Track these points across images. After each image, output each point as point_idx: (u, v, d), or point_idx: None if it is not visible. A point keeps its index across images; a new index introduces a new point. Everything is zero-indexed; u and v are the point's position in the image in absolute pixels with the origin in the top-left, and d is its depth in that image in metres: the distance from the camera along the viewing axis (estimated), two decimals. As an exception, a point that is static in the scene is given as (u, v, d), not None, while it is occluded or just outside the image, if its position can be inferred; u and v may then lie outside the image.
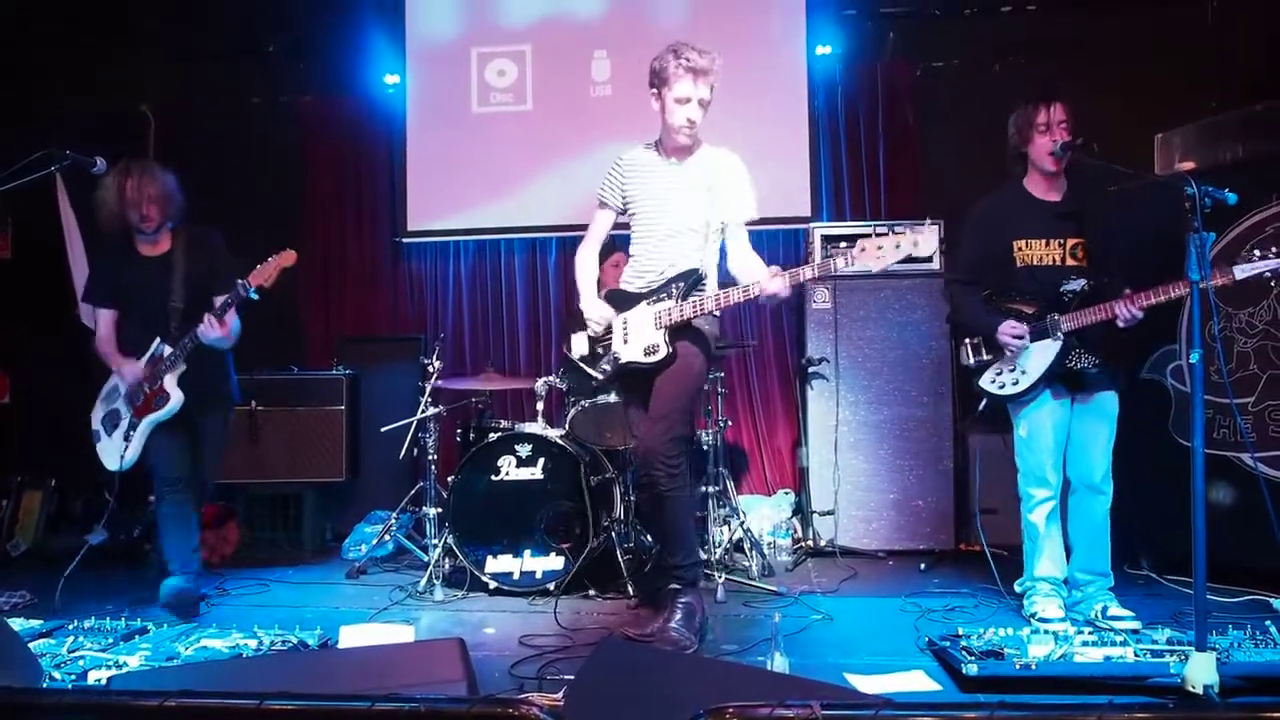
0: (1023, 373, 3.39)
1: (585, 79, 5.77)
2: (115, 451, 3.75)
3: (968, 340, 3.54)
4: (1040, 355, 3.36)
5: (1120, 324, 3.20)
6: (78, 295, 5.66)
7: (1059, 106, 3.34)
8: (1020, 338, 3.35)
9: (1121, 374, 3.43)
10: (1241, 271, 3.04)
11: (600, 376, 3.42)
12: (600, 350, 3.42)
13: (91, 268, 3.94)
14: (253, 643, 3.04)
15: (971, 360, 3.52)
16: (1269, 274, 3.04)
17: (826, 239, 4.99)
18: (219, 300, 3.66)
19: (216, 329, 3.62)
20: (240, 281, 3.62)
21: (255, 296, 3.63)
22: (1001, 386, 3.44)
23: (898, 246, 2.97)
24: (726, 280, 3.38)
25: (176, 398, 3.71)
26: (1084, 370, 3.36)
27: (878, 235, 3.02)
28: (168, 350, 3.71)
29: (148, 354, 3.74)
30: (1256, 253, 3.05)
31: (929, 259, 4.71)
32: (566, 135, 5.72)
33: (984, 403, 3.52)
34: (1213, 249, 2.87)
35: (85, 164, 3.11)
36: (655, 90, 3.31)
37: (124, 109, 6.02)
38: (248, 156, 5.96)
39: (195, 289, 3.76)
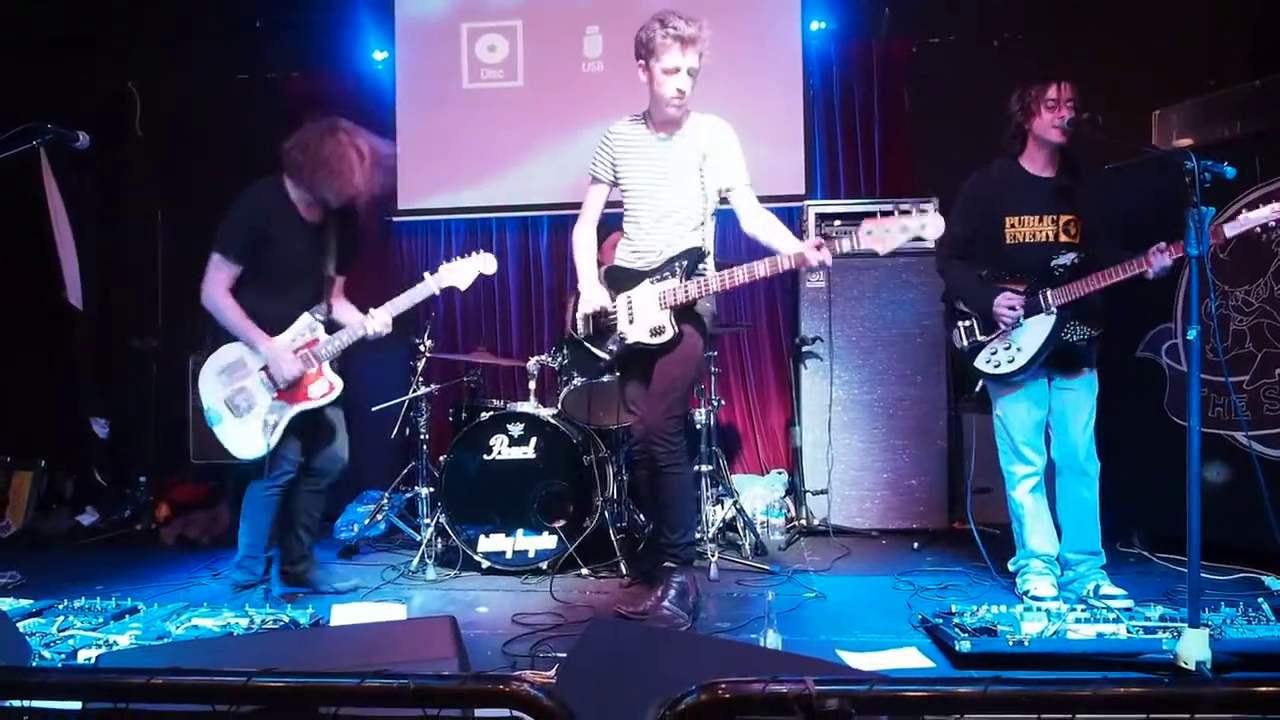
0: (1018, 350, 3.38)
1: (577, 55, 5.72)
2: (253, 437, 3.33)
3: (960, 322, 3.53)
4: (1035, 331, 3.35)
5: (1151, 275, 3.11)
6: (66, 278, 5.62)
7: (1068, 85, 3.32)
8: (1014, 309, 3.34)
9: (1098, 350, 3.41)
10: (1231, 229, 3.01)
11: (607, 357, 3.37)
12: (605, 329, 3.37)
13: (238, 211, 3.41)
14: (244, 621, 3.03)
15: (965, 342, 3.51)
16: (1259, 229, 3.01)
17: (821, 217, 4.97)
18: (405, 295, 3.43)
19: (389, 328, 3.43)
20: (428, 276, 3.44)
21: (436, 293, 3.46)
22: (997, 365, 3.43)
23: (904, 229, 2.93)
24: (736, 249, 3.32)
25: (339, 387, 3.44)
26: (1077, 343, 3.35)
27: (883, 216, 2.98)
28: (323, 334, 3.42)
29: (298, 329, 3.42)
30: (1244, 211, 3.02)
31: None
32: (558, 112, 5.67)
33: (979, 383, 3.51)
34: (1212, 224, 2.84)
35: (68, 138, 3.04)
36: (643, 61, 3.23)
37: (110, 85, 5.95)
38: (234, 134, 5.88)
39: (343, 262, 3.54)
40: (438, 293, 3.49)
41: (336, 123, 3.39)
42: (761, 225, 3.26)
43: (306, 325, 3.43)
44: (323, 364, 3.42)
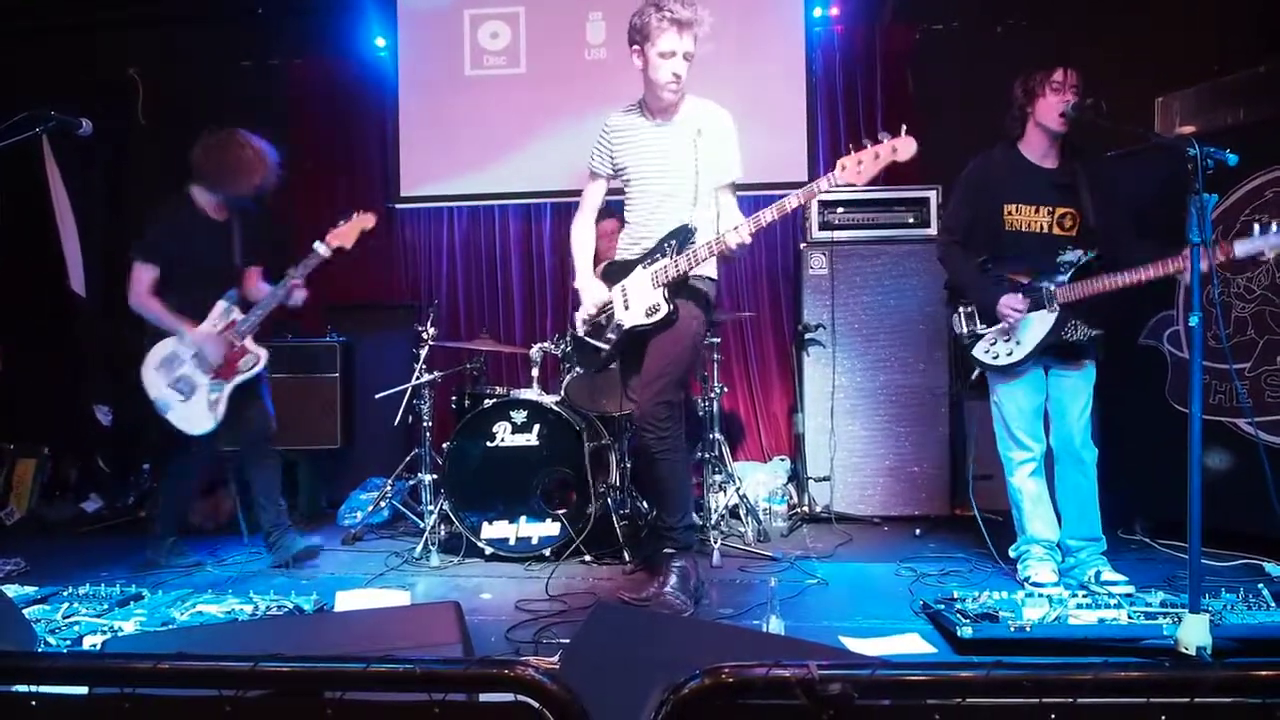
0: (1017, 343, 3.38)
1: (580, 42, 5.69)
2: (202, 414, 3.77)
3: (960, 309, 3.52)
4: (1036, 326, 3.35)
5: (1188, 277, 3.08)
6: (69, 265, 5.63)
7: (1073, 71, 3.31)
8: (1019, 310, 3.34)
9: (1101, 344, 3.41)
10: (1241, 248, 2.98)
11: (607, 347, 3.36)
12: (604, 321, 3.37)
13: (153, 223, 3.85)
14: (248, 608, 3.04)
15: (965, 329, 3.51)
16: (1268, 251, 2.99)
17: (824, 204, 4.96)
18: (301, 264, 3.79)
19: (303, 291, 3.81)
20: (318, 244, 3.80)
21: (329, 256, 3.81)
22: (995, 357, 3.43)
23: (877, 157, 2.95)
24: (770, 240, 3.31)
25: (264, 355, 3.83)
26: (1078, 342, 3.34)
27: (855, 152, 3.00)
28: (238, 314, 3.82)
29: (215, 316, 3.81)
30: (1256, 228, 2.98)
31: (918, 215, 4.81)
32: (561, 99, 5.65)
33: (976, 372, 3.51)
34: (1214, 211, 2.83)
35: (71, 125, 3.04)
36: (637, 47, 3.21)
37: (111, 72, 5.93)
38: (236, 120, 5.84)
39: (249, 253, 3.93)
40: (327, 255, 3.85)
41: (232, 131, 3.83)
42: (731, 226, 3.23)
43: (222, 310, 3.82)
44: (245, 339, 3.82)
